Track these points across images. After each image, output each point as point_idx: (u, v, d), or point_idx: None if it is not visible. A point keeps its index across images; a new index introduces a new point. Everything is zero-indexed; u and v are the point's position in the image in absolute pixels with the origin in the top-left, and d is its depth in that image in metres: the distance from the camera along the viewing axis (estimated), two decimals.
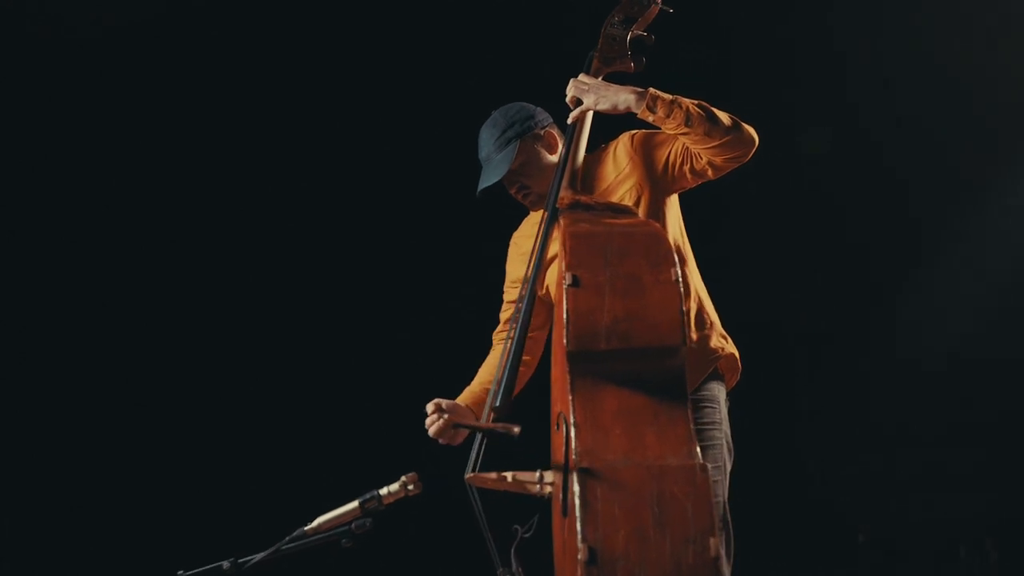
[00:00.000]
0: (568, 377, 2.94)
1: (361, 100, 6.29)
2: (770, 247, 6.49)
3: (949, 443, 6.28)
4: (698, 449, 2.85)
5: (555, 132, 3.81)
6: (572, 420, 2.89)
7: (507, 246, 4.01)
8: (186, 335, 6.22)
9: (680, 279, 2.99)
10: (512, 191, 3.81)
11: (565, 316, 2.94)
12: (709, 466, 2.81)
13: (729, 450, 3.68)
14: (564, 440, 2.93)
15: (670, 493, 2.71)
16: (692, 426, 2.90)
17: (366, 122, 6.31)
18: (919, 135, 6.29)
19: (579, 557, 2.62)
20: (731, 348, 3.73)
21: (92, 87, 6.17)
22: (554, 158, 3.76)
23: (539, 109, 3.84)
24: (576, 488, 2.72)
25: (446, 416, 3.57)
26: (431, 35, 6.26)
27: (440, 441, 3.61)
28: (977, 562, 6.22)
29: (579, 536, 2.65)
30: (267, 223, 6.31)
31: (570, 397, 2.92)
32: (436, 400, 3.63)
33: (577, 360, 2.93)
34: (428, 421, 3.61)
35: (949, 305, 6.38)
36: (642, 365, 2.93)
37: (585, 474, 2.75)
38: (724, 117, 3.47)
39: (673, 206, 3.72)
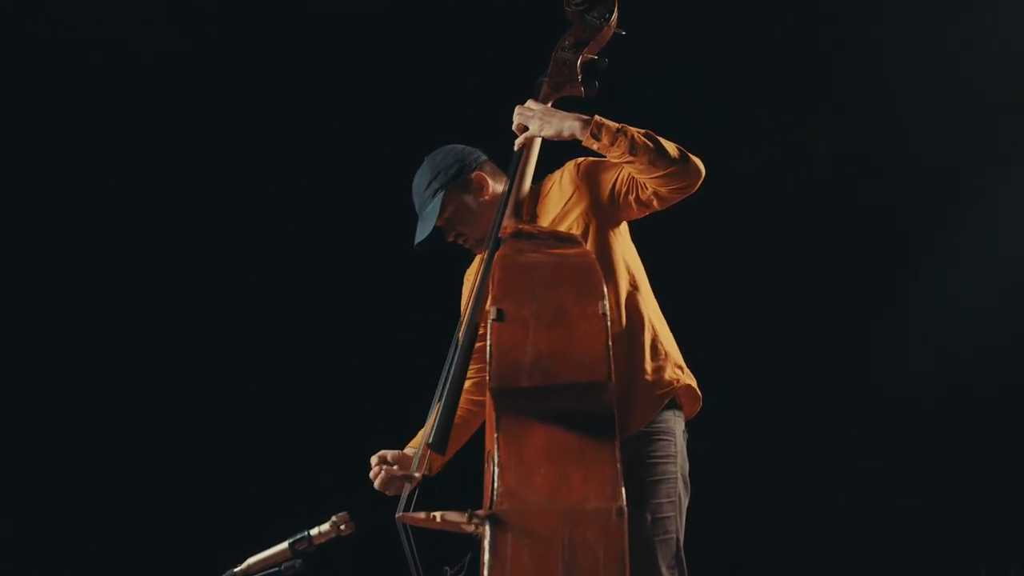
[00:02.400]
0: (494, 415, 2.89)
1: (362, 99, 6.26)
2: (771, 252, 6.41)
3: (966, 455, 6.14)
4: (623, 491, 2.78)
5: (485, 173, 3.75)
6: (497, 459, 2.83)
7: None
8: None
9: (607, 312, 2.93)
10: (450, 239, 3.78)
11: (489, 352, 2.90)
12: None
13: (685, 484, 3.57)
14: (490, 480, 2.89)
15: (582, 539, 2.66)
16: (620, 465, 2.84)
17: (364, 122, 6.29)
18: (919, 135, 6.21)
19: None
20: (688, 379, 3.64)
21: (92, 88, 6.18)
22: (487, 199, 3.72)
23: (469, 150, 3.79)
24: (487, 533, 2.68)
25: (388, 467, 3.57)
26: (429, 35, 6.23)
27: (387, 493, 3.57)
28: None
29: None
30: (259, 226, 6.31)
31: (496, 435, 2.86)
32: (380, 452, 3.63)
33: (501, 397, 2.87)
34: (372, 474, 3.61)
35: (968, 307, 6.26)
36: (568, 402, 2.87)
37: (497, 518, 2.69)
38: (671, 148, 3.41)
39: (622, 235, 3.67)
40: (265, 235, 6.33)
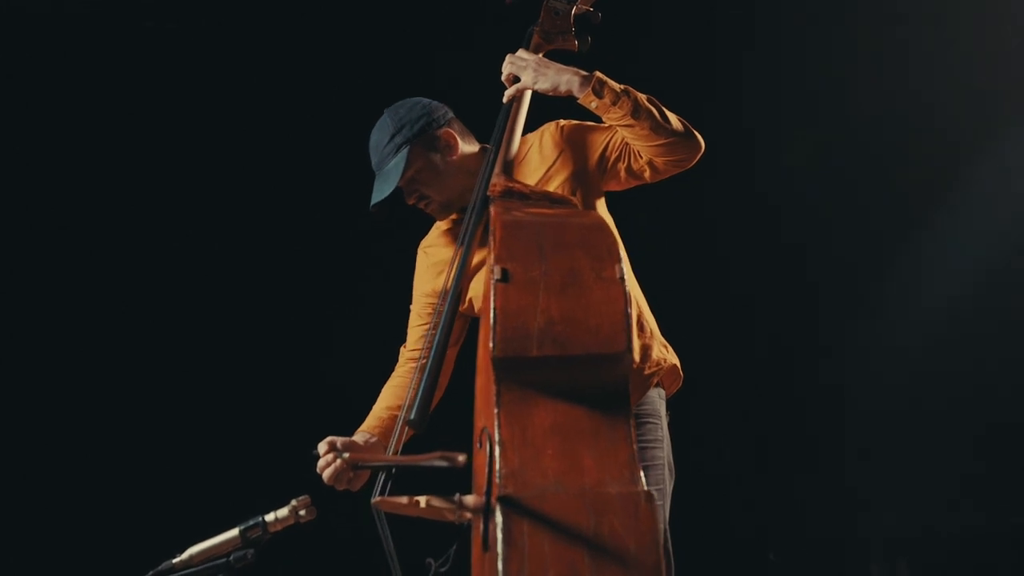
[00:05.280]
0: (494, 387, 2.55)
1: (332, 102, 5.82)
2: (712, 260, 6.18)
3: (864, 462, 6.08)
4: (642, 474, 2.48)
5: (454, 131, 3.43)
6: (497, 437, 2.50)
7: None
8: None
9: (625, 277, 2.63)
10: (411, 202, 3.44)
11: (492, 316, 2.55)
12: (654, 491, 2.46)
13: (670, 469, 3.33)
14: (487, 460, 2.54)
15: (609, 527, 2.33)
16: (636, 446, 2.53)
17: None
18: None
19: None
20: (673, 358, 3.41)
21: (88, 86, 5.73)
22: (455, 160, 3.40)
23: (436, 104, 3.46)
24: (499, 520, 2.33)
25: (344, 456, 3.13)
26: (423, 30, 5.86)
27: (337, 487, 3.17)
28: None
29: None
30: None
31: (496, 410, 2.53)
32: (329, 438, 3.20)
33: (505, 367, 2.54)
34: (321, 464, 3.16)
35: (880, 332, 6.14)
36: (581, 375, 2.56)
37: (510, 503, 2.35)
38: (674, 118, 3.18)
39: (604, 205, 3.41)
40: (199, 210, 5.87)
